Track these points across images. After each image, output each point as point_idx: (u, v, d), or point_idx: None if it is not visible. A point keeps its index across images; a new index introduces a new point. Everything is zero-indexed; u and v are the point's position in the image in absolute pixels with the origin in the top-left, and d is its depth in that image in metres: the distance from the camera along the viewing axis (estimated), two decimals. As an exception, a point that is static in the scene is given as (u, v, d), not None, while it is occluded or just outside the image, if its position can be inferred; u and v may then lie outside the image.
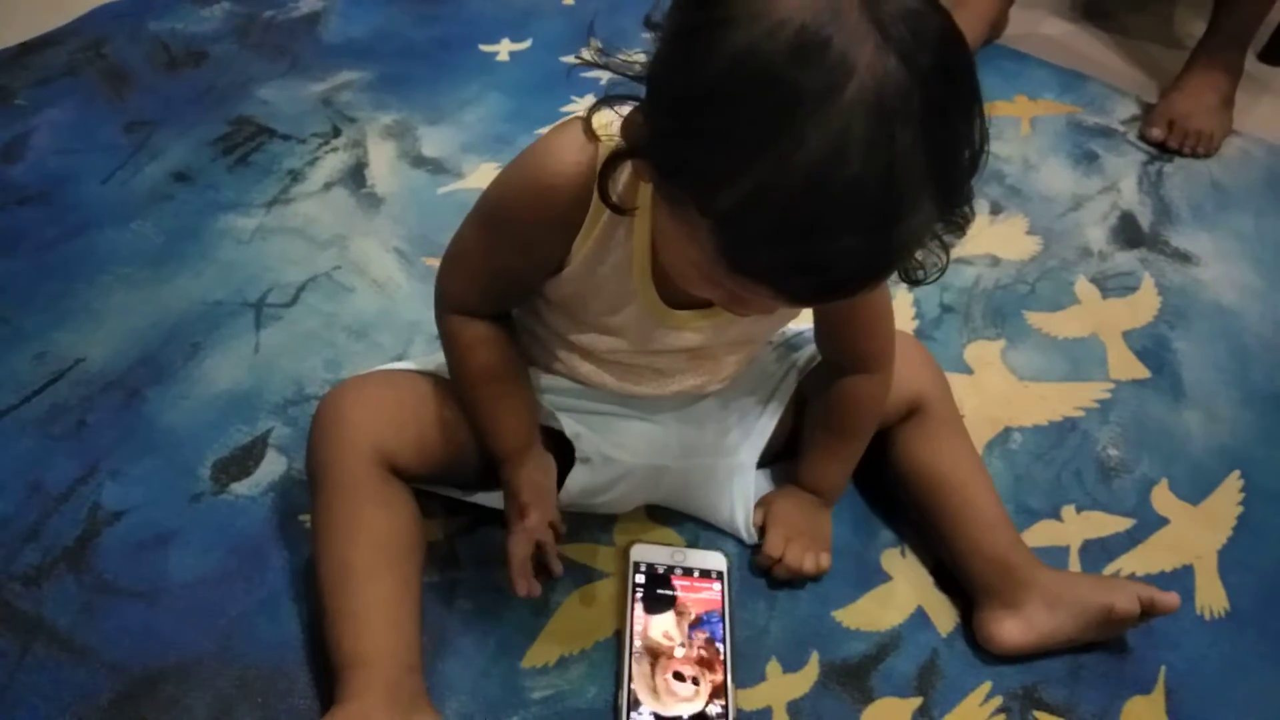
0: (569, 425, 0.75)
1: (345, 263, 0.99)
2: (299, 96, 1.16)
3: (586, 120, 0.58)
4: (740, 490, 0.79)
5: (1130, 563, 0.82)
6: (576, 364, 0.73)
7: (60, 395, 0.85)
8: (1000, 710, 0.72)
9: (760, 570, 0.78)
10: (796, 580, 0.78)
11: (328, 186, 1.06)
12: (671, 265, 0.57)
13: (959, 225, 0.51)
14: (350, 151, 1.11)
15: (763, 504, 0.80)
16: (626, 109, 0.56)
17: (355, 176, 1.08)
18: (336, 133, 1.13)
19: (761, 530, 0.79)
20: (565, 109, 1.18)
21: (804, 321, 0.80)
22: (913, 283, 0.55)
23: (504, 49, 1.27)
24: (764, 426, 0.80)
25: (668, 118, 0.49)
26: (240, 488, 0.80)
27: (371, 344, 0.91)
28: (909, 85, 0.44)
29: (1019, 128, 1.24)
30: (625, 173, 0.59)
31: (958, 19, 0.49)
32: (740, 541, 0.80)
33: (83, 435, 0.82)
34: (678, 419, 0.77)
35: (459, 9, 1.33)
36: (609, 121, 0.57)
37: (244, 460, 0.82)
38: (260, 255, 0.98)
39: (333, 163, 1.09)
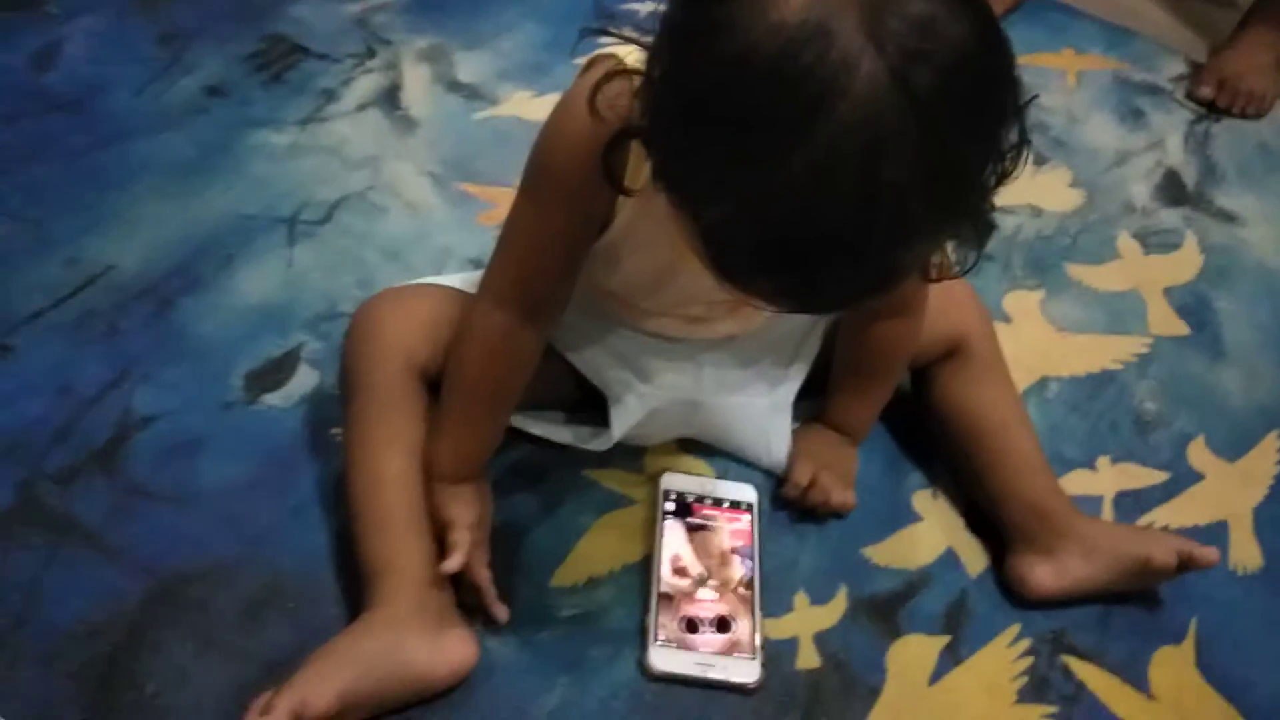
0: (598, 372, 0.74)
1: (379, 184, 0.97)
2: (333, 16, 1.14)
3: (592, 96, 0.53)
4: (779, 428, 0.79)
5: (1164, 515, 0.81)
6: (611, 308, 0.72)
7: (92, 301, 0.84)
8: (1028, 653, 0.72)
9: (785, 500, 0.77)
10: (821, 513, 0.77)
11: (362, 107, 1.05)
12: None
13: (978, 238, 0.48)
14: (385, 74, 1.09)
15: (791, 436, 0.79)
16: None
17: (390, 99, 1.06)
18: (371, 54, 1.11)
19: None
20: (601, 40, 1.15)
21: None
22: (934, 280, 0.53)
23: (542, -22, 1.25)
24: (799, 366, 0.79)
25: (657, 118, 0.46)
26: (272, 399, 0.79)
27: (404, 265, 0.90)
28: (904, 110, 0.40)
29: (1065, 80, 1.22)
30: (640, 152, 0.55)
31: None
32: (769, 475, 0.79)
33: (114, 341, 0.82)
34: (710, 356, 0.76)
35: (498, -66, 1.30)
36: (617, 93, 0.53)
37: (276, 372, 0.81)
38: (293, 172, 0.97)
39: (367, 84, 1.07)
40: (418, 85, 1.08)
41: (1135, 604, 0.75)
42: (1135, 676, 0.72)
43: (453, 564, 0.64)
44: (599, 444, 0.76)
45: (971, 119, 0.42)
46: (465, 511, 0.67)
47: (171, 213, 0.92)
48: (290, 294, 0.87)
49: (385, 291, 0.74)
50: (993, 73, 0.43)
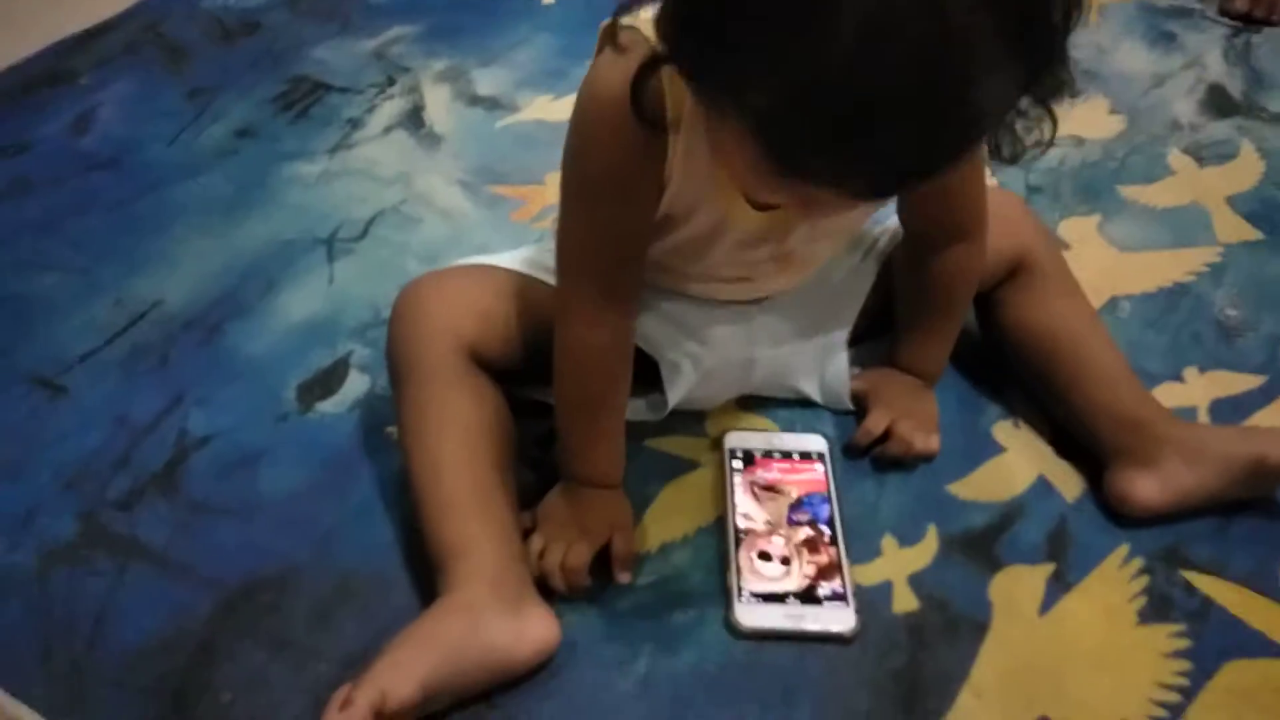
0: (648, 332, 0.72)
1: (411, 197, 0.98)
2: (352, 53, 1.17)
3: (612, 32, 0.52)
4: (835, 366, 0.76)
5: (1269, 419, 0.76)
6: (658, 277, 0.70)
7: (141, 335, 0.85)
8: (1143, 572, 0.67)
9: (858, 450, 0.74)
10: (906, 461, 0.73)
11: (388, 130, 1.06)
12: (731, 176, 0.52)
13: (1054, 91, 0.45)
14: (407, 97, 1.10)
15: (862, 381, 0.76)
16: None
17: (414, 119, 1.08)
18: (391, 82, 1.13)
19: (861, 407, 0.75)
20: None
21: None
22: (1011, 159, 0.49)
23: (549, -6, 1.27)
24: (851, 307, 0.76)
25: (682, 18, 0.44)
26: (326, 406, 0.79)
27: (443, 266, 0.90)
28: None
29: (1086, 16, 1.19)
30: (675, 79, 0.54)
31: None
32: (839, 422, 0.76)
33: (166, 370, 0.82)
34: (761, 310, 0.73)
35: (502, -37, 1.33)
36: (639, 28, 0.52)
37: (327, 381, 0.80)
38: (327, 196, 0.98)
39: (390, 109, 1.09)
40: (439, 104, 1.09)
41: (1254, 512, 0.70)
42: (1268, 585, 0.66)
43: (627, 575, 0.66)
44: (655, 413, 0.74)
45: None
46: (621, 514, 0.67)
47: (213, 247, 0.93)
48: (334, 307, 0.87)
49: (425, 275, 0.73)
50: None
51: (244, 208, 0.97)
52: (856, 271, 0.77)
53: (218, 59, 1.16)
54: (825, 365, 0.75)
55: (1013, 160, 0.49)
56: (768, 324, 0.74)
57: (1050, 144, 0.48)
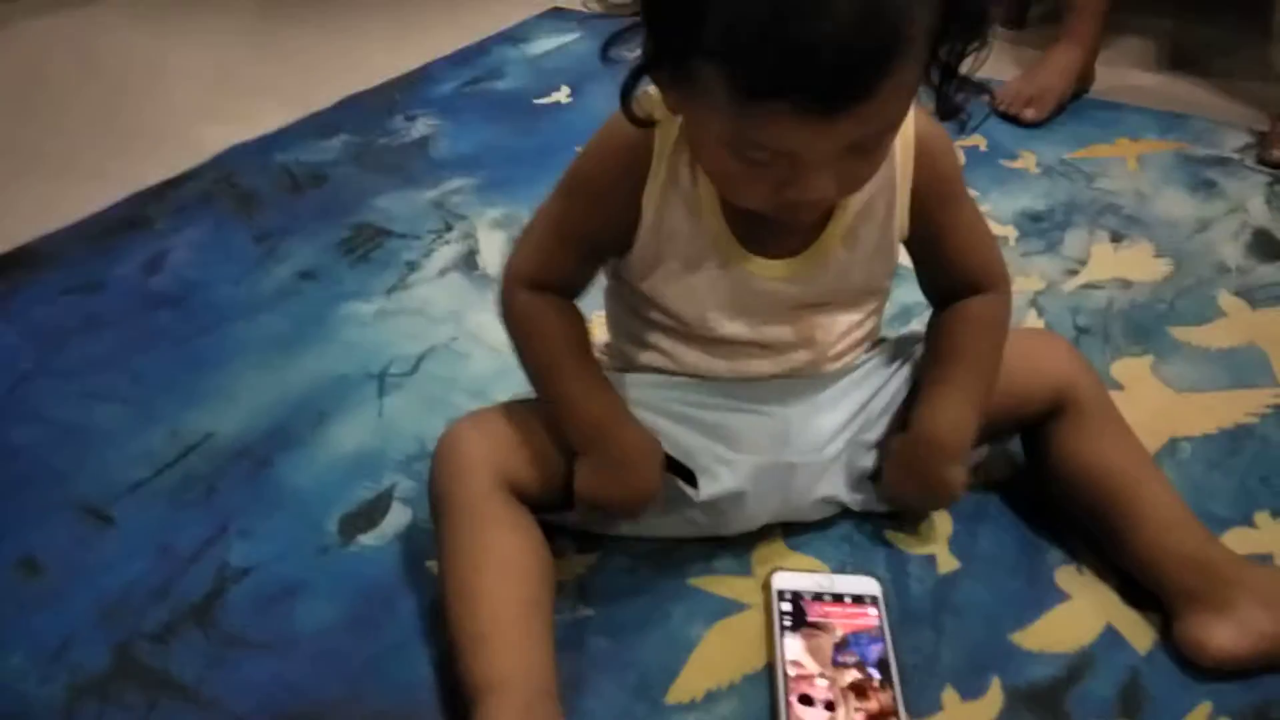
0: (677, 439, 0.71)
1: (462, 334, 1.00)
2: (413, 202, 1.23)
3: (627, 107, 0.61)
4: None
5: (1350, 566, 0.72)
6: (681, 352, 0.71)
7: (191, 466, 0.86)
8: (1229, 732, 0.62)
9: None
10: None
11: (443, 273, 1.10)
12: (714, 174, 0.60)
13: (971, 29, 0.53)
14: (463, 242, 1.15)
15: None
16: None
17: (468, 262, 1.12)
18: (449, 228, 1.18)
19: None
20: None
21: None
22: (952, 114, 0.58)
23: (600, 148, 1.33)
24: (885, 411, 0.74)
25: (647, 20, 0.54)
26: (367, 539, 0.78)
27: (490, 401, 0.90)
28: None
29: (1125, 165, 1.21)
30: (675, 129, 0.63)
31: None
32: (892, 564, 0.73)
33: (212, 500, 0.82)
34: (794, 411, 0.72)
35: (555, 121, 1.41)
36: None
37: (370, 513, 0.80)
38: (381, 334, 1.01)
39: (447, 253, 1.13)
40: (493, 248, 1.14)
41: (1345, 666, 0.65)
42: (1370, 752, 0.61)
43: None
44: (683, 507, 0.72)
45: None
46: (649, 442, 0.69)
47: (268, 382, 0.95)
48: (381, 440, 0.88)
49: (465, 416, 0.74)
50: None
51: (301, 344, 1.00)
52: (887, 381, 0.75)
53: (287, 207, 1.23)
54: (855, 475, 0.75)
55: (954, 117, 0.58)
56: (800, 425, 0.72)
57: (987, 105, 0.54)
